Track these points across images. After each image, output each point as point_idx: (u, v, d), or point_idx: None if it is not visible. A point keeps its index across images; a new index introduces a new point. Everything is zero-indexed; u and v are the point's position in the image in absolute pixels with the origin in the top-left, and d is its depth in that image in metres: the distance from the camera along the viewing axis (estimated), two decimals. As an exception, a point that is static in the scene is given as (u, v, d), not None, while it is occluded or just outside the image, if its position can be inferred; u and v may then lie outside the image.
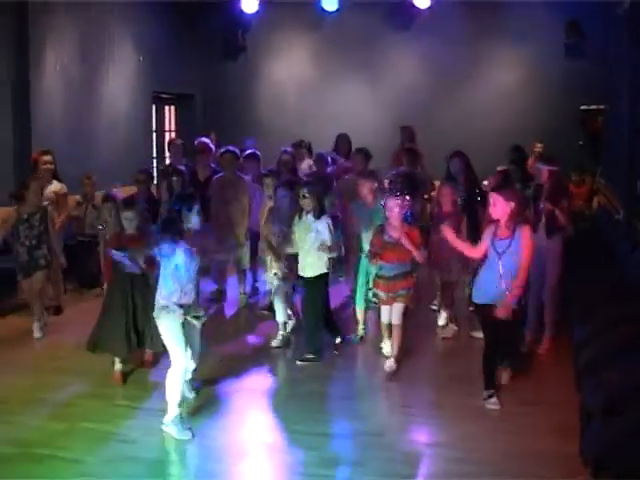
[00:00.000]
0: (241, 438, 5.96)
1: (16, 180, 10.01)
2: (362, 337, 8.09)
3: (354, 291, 8.18)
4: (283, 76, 15.79)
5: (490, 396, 6.38)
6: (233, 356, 7.70)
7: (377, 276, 7.25)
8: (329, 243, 7.34)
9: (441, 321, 8.40)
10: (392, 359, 7.11)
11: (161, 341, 6.23)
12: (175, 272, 5.87)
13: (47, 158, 9.50)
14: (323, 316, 7.67)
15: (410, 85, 14.91)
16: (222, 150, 9.80)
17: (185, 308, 5.94)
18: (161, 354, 6.82)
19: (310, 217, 7.46)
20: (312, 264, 7.49)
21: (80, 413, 6.36)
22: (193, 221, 6.37)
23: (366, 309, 8.15)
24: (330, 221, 7.47)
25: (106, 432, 6.01)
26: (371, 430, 6.05)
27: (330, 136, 11.63)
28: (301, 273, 7.61)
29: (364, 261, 7.81)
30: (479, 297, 6.49)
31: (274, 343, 7.96)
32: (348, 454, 5.78)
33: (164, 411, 5.99)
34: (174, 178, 9.10)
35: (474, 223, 8.13)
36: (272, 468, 5.50)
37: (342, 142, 11.50)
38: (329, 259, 7.46)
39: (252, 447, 5.80)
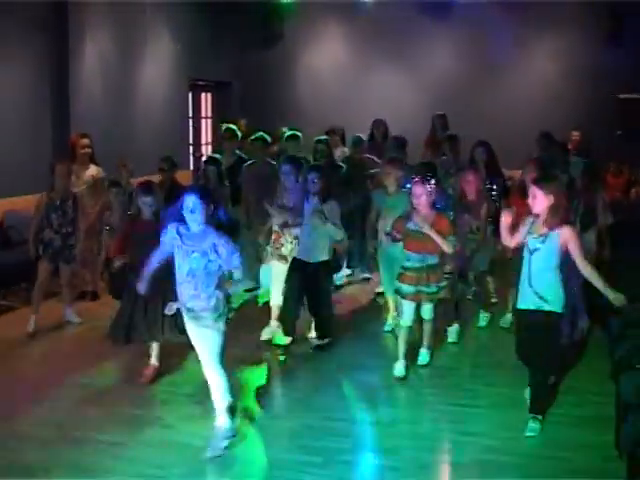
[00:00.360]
0: (276, 424, 6.01)
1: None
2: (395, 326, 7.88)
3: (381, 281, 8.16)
4: (320, 63, 15.78)
5: (533, 420, 5.81)
6: (260, 344, 7.75)
7: (403, 268, 6.89)
8: (335, 227, 7.26)
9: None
10: (425, 349, 7.12)
11: (173, 335, 6.43)
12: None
13: (85, 141, 9.40)
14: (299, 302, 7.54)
15: (446, 73, 14.81)
16: (253, 137, 9.80)
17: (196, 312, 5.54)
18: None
19: (316, 200, 7.36)
20: (314, 249, 7.39)
21: (118, 397, 6.47)
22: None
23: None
24: (336, 206, 7.37)
25: (144, 417, 6.10)
26: (406, 419, 6.08)
27: (367, 123, 11.62)
28: (301, 257, 7.48)
29: (386, 249, 7.59)
30: (521, 302, 5.86)
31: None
32: (382, 442, 5.80)
33: (202, 397, 6.04)
34: (210, 167, 9.01)
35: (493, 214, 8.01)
36: (310, 455, 5.54)
37: (378, 127, 11.48)
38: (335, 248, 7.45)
39: (288, 432, 5.86)
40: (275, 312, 7.75)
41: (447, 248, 6.71)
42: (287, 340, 7.54)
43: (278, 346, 7.54)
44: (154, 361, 6.81)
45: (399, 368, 6.85)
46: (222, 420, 5.58)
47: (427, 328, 7.11)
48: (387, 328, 8.07)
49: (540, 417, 5.81)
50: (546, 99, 14.32)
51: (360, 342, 7.84)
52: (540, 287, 5.68)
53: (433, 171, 7.59)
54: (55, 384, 6.75)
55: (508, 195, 8.23)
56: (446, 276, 6.99)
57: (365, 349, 7.62)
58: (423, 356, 7.11)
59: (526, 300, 5.76)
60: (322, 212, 7.25)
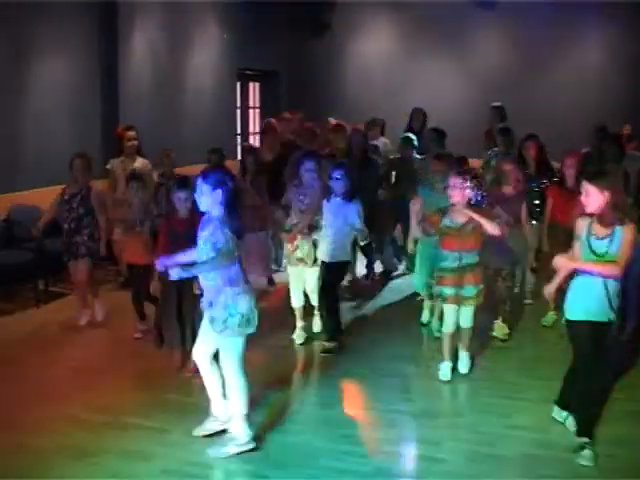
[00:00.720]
0: (321, 413, 6.03)
1: (103, 156, 10.24)
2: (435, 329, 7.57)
3: (417, 283, 7.86)
4: (368, 53, 15.74)
5: (582, 447, 5.31)
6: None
7: (440, 269, 6.53)
8: (358, 227, 7.10)
9: None
10: (464, 354, 6.76)
11: None
12: None
13: (131, 134, 9.39)
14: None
15: (494, 63, 14.69)
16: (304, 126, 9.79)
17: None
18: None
19: (339, 200, 7.11)
20: (335, 250, 7.18)
21: (166, 385, 6.54)
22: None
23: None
24: (360, 207, 7.10)
25: (189, 404, 6.16)
26: (450, 410, 6.07)
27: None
28: (323, 258, 7.29)
29: (425, 248, 7.35)
30: (574, 312, 5.28)
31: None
32: (428, 434, 5.78)
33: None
34: (249, 158, 8.85)
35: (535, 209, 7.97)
36: (352, 444, 5.55)
37: (417, 116, 11.35)
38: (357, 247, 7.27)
39: (332, 422, 5.88)
40: (299, 314, 7.59)
41: (492, 229, 6.26)
42: (333, 345, 7.29)
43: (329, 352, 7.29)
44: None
45: (444, 372, 6.62)
46: (236, 426, 5.40)
47: (464, 336, 6.72)
48: (424, 320, 7.91)
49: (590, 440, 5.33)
50: (596, 91, 14.13)
51: (400, 333, 7.79)
52: (613, 294, 5.17)
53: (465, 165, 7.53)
54: (104, 370, 6.86)
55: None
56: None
57: (406, 340, 7.59)
58: (463, 362, 6.76)
59: (595, 311, 5.19)
60: (362, 232, 7.20)
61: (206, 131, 13.09)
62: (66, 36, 10.44)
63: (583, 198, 5.20)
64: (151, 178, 9.22)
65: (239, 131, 15.41)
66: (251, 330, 5.21)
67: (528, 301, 8.54)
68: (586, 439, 5.28)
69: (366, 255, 9.56)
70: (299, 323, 7.60)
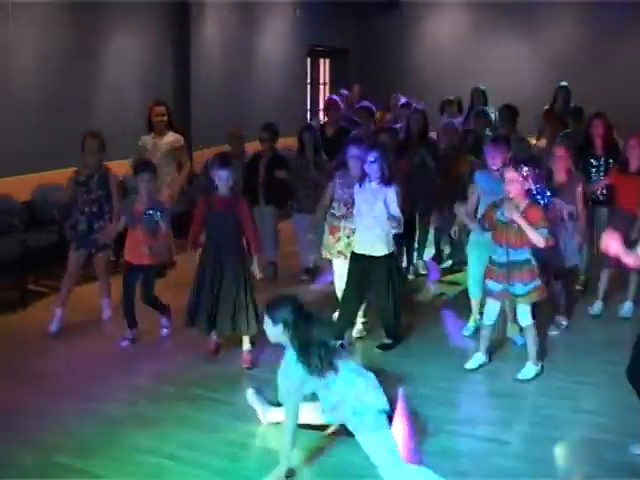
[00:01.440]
0: (388, 391, 6.04)
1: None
2: (477, 328, 7.05)
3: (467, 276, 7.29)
4: (438, 31, 15.64)
5: None
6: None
7: (490, 262, 6.22)
8: (393, 213, 6.54)
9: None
10: (530, 362, 6.26)
11: (245, 326, 6.37)
12: None
13: (160, 109, 8.87)
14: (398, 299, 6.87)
15: (567, 43, 14.42)
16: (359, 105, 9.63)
17: None
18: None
19: (374, 185, 6.63)
20: (375, 241, 6.66)
21: (232, 357, 6.64)
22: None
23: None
24: (398, 193, 6.59)
25: (258, 378, 6.23)
26: (516, 392, 6.01)
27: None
28: (359, 250, 6.78)
29: (478, 239, 6.80)
30: None
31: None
32: (491, 414, 5.77)
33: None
34: (305, 134, 8.65)
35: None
36: (417, 424, 5.55)
37: (477, 95, 11.09)
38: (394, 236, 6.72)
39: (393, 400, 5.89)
40: None
41: (536, 240, 5.90)
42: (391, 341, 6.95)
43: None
44: (247, 346, 6.61)
45: (473, 361, 6.42)
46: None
47: (527, 337, 6.29)
48: (467, 333, 7.25)
49: None
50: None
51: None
52: None
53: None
54: (177, 343, 7.00)
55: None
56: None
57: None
58: (527, 371, 6.24)
59: None
60: (396, 219, 6.55)
61: (277, 106, 13.13)
62: (140, 14, 10.56)
63: None
64: (184, 155, 9.02)
65: (309, 106, 15.42)
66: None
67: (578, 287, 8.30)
68: None
69: (406, 246, 8.74)
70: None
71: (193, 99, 11.30)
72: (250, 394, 5.53)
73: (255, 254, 6.52)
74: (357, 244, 6.80)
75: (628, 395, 5.25)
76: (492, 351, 6.65)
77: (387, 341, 6.92)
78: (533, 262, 6.09)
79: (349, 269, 6.88)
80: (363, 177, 6.66)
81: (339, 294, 7.18)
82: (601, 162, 8.03)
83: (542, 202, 6.30)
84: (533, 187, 6.07)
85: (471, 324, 7.26)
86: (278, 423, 5.25)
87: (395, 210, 6.55)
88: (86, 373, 6.38)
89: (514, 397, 5.97)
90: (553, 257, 6.74)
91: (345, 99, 11.31)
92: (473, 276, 7.00)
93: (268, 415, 5.46)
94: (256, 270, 6.51)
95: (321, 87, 16.02)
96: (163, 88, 10.95)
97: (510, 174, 5.97)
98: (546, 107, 10.61)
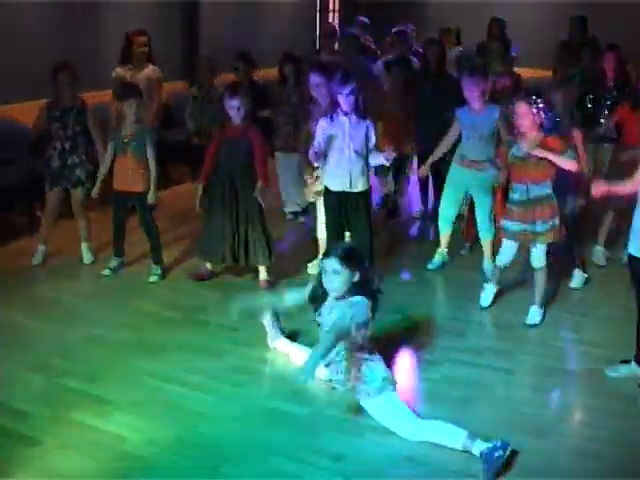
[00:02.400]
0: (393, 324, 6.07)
1: (182, 58, 10.17)
2: (444, 263, 7.09)
3: (437, 208, 7.13)
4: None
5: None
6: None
7: (510, 202, 5.90)
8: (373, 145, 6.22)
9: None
10: (536, 306, 6.07)
11: (262, 256, 6.42)
12: None
13: (142, 39, 8.36)
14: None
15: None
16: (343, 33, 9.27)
17: None
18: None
19: (353, 118, 6.18)
20: (355, 177, 6.26)
21: (237, 285, 6.67)
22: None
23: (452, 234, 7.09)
24: (372, 124, 6.26)
25: (259, 304, 6.29)
26: (521, 323, 6.02)
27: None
28: (335, 187, 6.36)
29: (455, 174, 6.75)
30: (635, 248, 5.01)
31: None
32: (498, 344, 5.79)
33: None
34: (287, 65, 8.04)
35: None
36: (420, 352, 5.59)
37: (495, 25, 10.55)
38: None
39: (403, 331, 5.92)
40: (322, 246, 6.82)
41: (569, 165, 5.63)
42: None
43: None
44: (264, 276, 6.67)
45: (485, 296, 6.30)
46: None
47: (538, 280, 6.02)
48: (431, 267, 7.08)
49: None
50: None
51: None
52: None
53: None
54: (181, 270, 7.01)
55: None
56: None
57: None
58: (532, 314, 6.04)
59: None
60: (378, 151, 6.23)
61: (285, 34, 12.93)
62: None
63: None
64: (161, 87, 8.55)
65: (318, 33, 15.18)
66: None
67: None
68: None
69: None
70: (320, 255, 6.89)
71: (202, 27, 11.12)
72: (268, 316, 5.54)
73: (262, 183, 6.43)
74: (332, 181, 6.37)
75: (628, 329, 5.28)
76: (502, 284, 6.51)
77: None
78: (554, 197, 5.80)
79: (328, 208, 6.50)
80: (334, 109, 6.23)
81: (319, 232, 6.91)
82: (612, 96, 7.80)
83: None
84: (545, 120, 5.72)
85: (437, 258, 7.11)
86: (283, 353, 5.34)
87: (374, 144, 6.26)
88: (92, 299, 6.44)
89: (519, 327, 5.98)
90: (564, 201, 6.24)
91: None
92: (443, 209, 6.94)
93: (276, 342, 5.50)
94: (259, 198, 6.45)
95: (330, 15, 15.74)
96: (170, 19, 10.76)
97: (522, 108, 5.67)
98: (561, 39, 10.28)
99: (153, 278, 6.79)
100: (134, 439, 4.43)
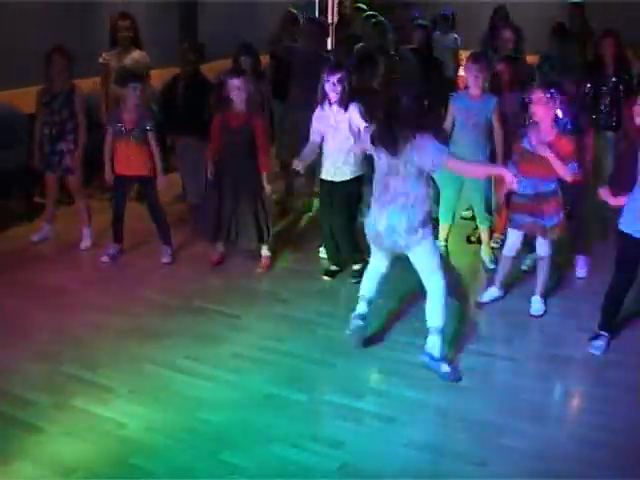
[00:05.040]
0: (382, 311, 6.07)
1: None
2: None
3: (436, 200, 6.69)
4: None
5: (596, 337, 5.45)
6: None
7: (517, 194, 5.76)
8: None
9: None
10: (537, 297, 6.02)
11: (250, 238, 6.45)
12: None
13: (125, 23, 8.08)
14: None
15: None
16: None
17: None
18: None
19: (334, 108, 6.15)
20: (339, 166, 6.27)
21: (239, 271, 6.68)
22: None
23: (451, 226, 7.03)
24: (360, 109, 6.11)
25: (262, 290, 6.33)
26: (522, 310, 6.01)
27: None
28: (325, 177, 6.40)
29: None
30: (627, 225, 5.14)
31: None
32: (496, 331, 5.82)
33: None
34: (242, 57, 7.62)
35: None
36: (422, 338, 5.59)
37: (499, 13, 10.46)
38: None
39: (403, 316, 5.93)
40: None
41: (564, 174, 5.56)
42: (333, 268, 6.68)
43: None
44: (266, 252, 6.76)
45: (486, 294, 6.19)
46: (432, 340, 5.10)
47: (541, 268, 5.99)
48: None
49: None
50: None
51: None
52: None
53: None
54: (181, 257, 7.00)
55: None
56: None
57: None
58: (535, 306, 6.01)
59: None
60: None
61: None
62: None
63: None
64: (148, 74, 8.15)
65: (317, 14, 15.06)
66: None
67: None
68: (602, 333, 5.43)
69: None
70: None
71: (199, 15, 11.03)
72: None
73: (264, 171, 6.42)
74: (323, 170, 6.40)
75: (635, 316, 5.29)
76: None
77: (356, 267, 6.49)
78: (559, 193, 5.76)
79: (320, 197, 6.67)
80: (323, 98, 6.18)
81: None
82: (610, 85, 7.72)
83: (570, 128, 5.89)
84: (561, 113, 5.66)
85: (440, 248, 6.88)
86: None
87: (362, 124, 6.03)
88: (91, 287, 6.42)
89: (520, 314, 5.98)
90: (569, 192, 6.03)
91: None
92: (445, 199, 6.81)
93: None
94: (267, 186, 6.45)
95: (330, 1, 15.64)
96: (169, 5, 10.69)
97: (538, 94, 5.57)
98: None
99: (165, 259, 6.85)
100: (134, 425, 4.44)
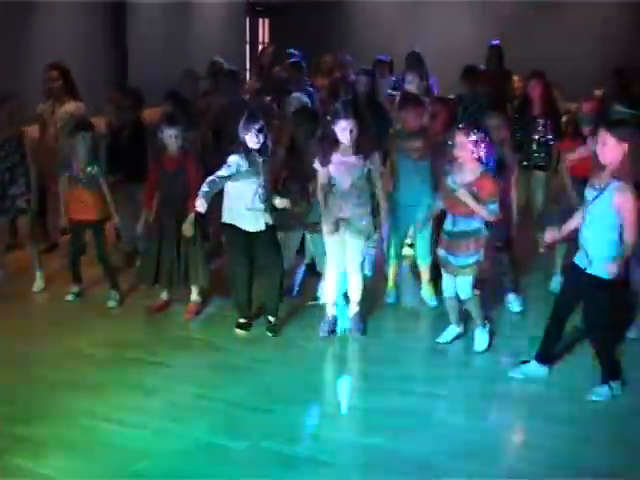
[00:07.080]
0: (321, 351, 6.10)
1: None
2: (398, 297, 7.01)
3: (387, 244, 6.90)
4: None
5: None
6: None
7: (443, 231, 5.87)
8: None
9: None
10: (479, 328, 6.02)
11: (200, 277, 6.53)
12: None
13: (52, 73, 7.89)
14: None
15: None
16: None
17: None
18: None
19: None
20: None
21: (176, 320, 6.64)
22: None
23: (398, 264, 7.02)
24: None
25: (194, 339, 6.31)
26: (450, 349, 6.09)
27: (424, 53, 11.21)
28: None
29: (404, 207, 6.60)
30: (579, 258, 5.24)
31: None
32: (432, 372, 5.85)
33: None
34: (202, 103, 7.91)
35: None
36: (360, 380, 5.64)
37: (492, 54, 10.27)
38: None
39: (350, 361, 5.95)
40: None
41: (485, 215, 5.63)
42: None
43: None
44: (195, 298, 6.73)
45: (445, 334, 6.13)
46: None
47: (470, 309, 6.01)
48: (390, 300, 6.97)
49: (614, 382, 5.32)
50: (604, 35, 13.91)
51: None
52: (588, 245, 5.11)
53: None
54: (105, 309, 6.87)
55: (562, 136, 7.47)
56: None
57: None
58: (480, 340, 6.00)
59: (578, 255, 5.24)
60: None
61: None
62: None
63: (599, 148, 5.01)
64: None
65: (248, 66, 15.26)
66: None
67: None
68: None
69: None
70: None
71: (130, 59, 11.09)
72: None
73: (190, 208, 6.15)
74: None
75: (569, 350, 5.39)
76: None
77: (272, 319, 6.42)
78: (484, 232, 5.73)
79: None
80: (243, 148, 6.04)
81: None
82: (539, 126, 7.79)
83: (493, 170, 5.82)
84: (484, 155, 5.63)
85: (390, 290, 6.97)
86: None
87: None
88: (24, 337, 6.27)
89: (449, 353, 6.05)
90: (498, 229, 6.08)
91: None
92: (394, 239, 6.81)
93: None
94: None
95: (260, 47, 15.82)
96: (97, 48, 10.70)
97: (460, 138, 5.60)
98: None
99: (112, 303, 6.86)
100: (69, 481, 4.36)
